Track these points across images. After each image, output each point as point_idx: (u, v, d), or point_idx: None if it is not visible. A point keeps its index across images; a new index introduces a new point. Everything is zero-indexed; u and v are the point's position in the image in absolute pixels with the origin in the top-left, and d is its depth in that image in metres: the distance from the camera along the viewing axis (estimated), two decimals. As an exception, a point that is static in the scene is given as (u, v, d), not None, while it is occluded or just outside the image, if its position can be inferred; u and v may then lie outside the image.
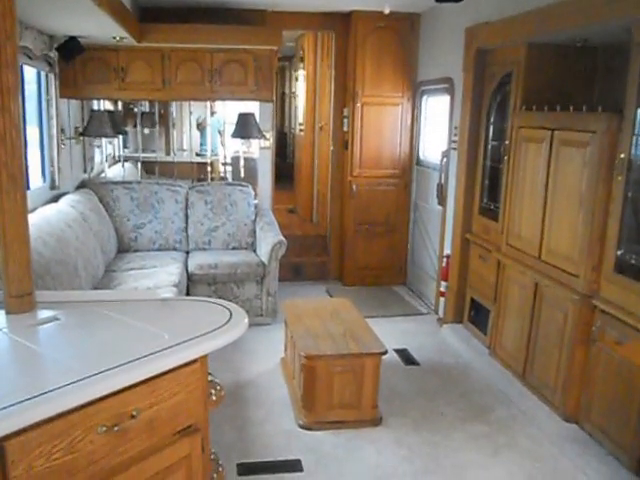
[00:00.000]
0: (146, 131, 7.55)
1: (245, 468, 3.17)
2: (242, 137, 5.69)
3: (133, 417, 1.75)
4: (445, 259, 5.25)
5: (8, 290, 2.09)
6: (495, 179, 4.55)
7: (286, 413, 3.73)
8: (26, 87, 4.56)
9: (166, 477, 1.91)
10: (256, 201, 5.93)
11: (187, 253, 5.39)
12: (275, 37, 5.36)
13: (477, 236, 4.79)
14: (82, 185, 5.51)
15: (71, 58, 4.88)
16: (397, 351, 4.71)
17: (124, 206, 5.32)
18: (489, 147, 4.64)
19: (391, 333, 4.97)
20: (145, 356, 1.80)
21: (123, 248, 5.26)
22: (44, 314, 2.13)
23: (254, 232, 5.57)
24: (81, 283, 3.82)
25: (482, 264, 4.70)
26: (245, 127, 5.59)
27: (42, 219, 3.87)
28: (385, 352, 3.57)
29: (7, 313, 2.11)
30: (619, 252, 3.15)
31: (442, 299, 5.35)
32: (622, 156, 3.07)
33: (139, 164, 7.03)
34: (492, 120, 4.56)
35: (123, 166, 7.13)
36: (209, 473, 2.19)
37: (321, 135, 7.15)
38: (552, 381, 3.67)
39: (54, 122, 4.90)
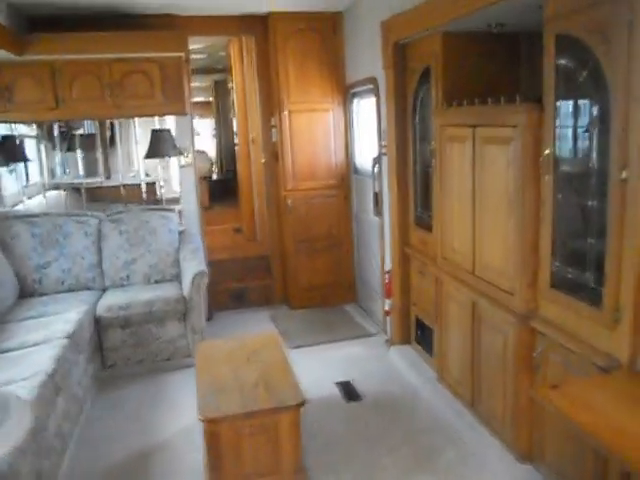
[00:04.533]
0: (68, 155, 7.00)
1: None
2: (156, 156, 5.17)
3: None
4: (387, 275, 4.78)
5: None
6: (427, 185, 4.08)
7: (197, 486, 3.12)
8: None
9: None
10: (182, 227, 5.42)
11: (104, 291, 4.85)
12: (179, 43, 4.85)
13: (415, 249, 4.32)
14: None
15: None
16: (339, 384, 4.22)
17: (24, 244, 4.72)
18: (417, 150, 4.17)
19: (335, 362, 4.57)
20: None
21: (26, 292, 4.66)
22: None
23: (178, 262, 5.04)
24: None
25: (422, 280, 4.23)
26: (158, 145, 5.06)
27: None
28: (303, 403, 2.95)
29: None
30: (555, 264, 2.69)
31: (388, 318, 4.88)
32: (547, 152, 2.62)
33: (62, 192, 6.48)
34: (417, 120, 4.10)
35: (44, 196, 6.56)
36: None
37: (254, 147, 6.66)
38: (500, 413, 3.20)
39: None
